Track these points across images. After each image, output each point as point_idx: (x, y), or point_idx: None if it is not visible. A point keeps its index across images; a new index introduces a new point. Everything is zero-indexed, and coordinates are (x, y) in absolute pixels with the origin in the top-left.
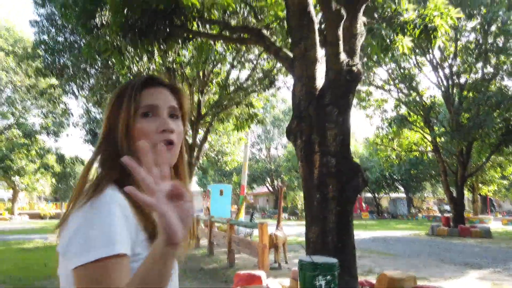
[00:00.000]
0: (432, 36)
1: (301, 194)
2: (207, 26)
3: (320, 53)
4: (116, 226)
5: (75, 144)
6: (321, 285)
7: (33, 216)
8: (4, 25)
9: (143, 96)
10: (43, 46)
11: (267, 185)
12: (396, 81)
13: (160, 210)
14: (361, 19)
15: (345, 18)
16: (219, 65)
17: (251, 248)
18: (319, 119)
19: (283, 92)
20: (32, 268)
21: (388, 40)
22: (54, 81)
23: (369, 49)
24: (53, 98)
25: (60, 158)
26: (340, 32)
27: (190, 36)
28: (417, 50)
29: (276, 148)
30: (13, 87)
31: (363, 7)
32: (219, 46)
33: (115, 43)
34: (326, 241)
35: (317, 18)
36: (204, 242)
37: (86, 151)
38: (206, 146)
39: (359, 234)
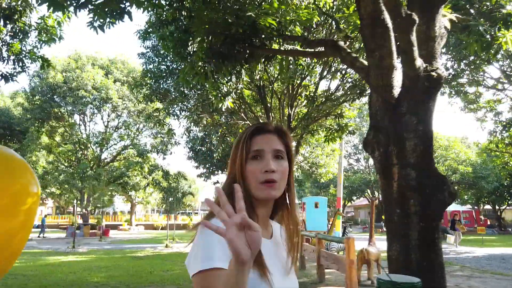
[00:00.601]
0: None
1: None
2: (285, 42)
3: (397, 61)
4: (214, 246)
5: (180, 161)
6: None
7: (148, 227)
8: (120, 59)
9: (253, 142)
10: (149, 75)
11: (367, 197)
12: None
13: (227, 237)
14: (440, 21)
15: (417, 22)
16: (307, 78)
17: (339, 264)
18: (396, 129)
19: None
20: (140, 275)
21: (488, 37)
22: (159, 105)
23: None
24: (158, 120)
25: (166, 174)
26: (414, 38)
27: (270, 55)
28: None
29: None
30: (127, 112)
31: (441, 8)
32: (307, 59)
33: (201, 69)
34: (409, 259)
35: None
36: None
37: (189, 167)
38: (300, 158)
39: (472, 251)
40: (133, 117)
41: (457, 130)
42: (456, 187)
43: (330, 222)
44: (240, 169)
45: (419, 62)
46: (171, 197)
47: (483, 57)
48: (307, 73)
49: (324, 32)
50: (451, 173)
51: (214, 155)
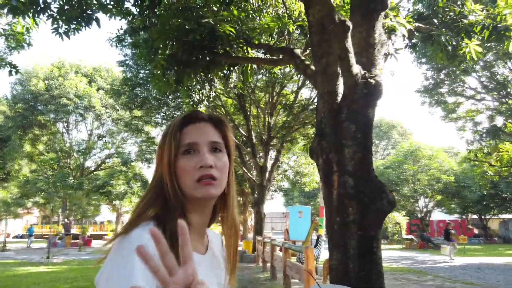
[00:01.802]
0: (503, 37)
1: (391, 216)
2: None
3: None
4: (135, 269)
5: None
6: None
7: (107, 239)
8: (104, 67)
9: (184, 134)
10: (129, 83)
11: None
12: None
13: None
14: (380, 28)
15: (351, 29)
16: (288, 87)
17: (300, 274)
18: (336, 136)
19: None
20: None
21: (449, 47)
22: (137, 113)
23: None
24: (137, 128)
25: (144, 183)
26: (349, 44)
27: (232, 63)
28: None
29: None
30: (111, 120)
31: (381, 16)
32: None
33: (162, 76)
34: (347, 269)
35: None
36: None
37: None
38: (284, 167)
39: (450, 261)
40: (117, 126)
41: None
42: (440, 196)
43: (308, 233)
44: (168, 166)
45: (357, 69)
46: None
47: (462, 67)
48: (285, 81)
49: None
50: (434, 182)
51: None
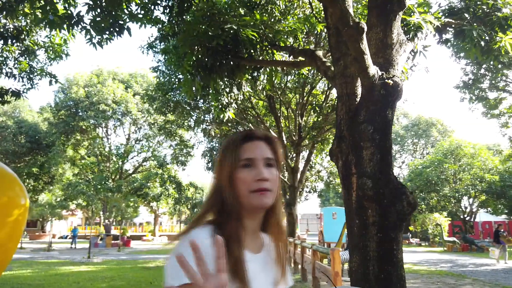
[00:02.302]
0: None
1: (432, 217)
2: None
3: None
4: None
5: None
6: None
7: (172, 237)
8: (140, 73)
9: (243, 150)
10: (163, 88)
11: None
12: None
13: None
14: (398, 28)
15: (365, 31)
16: (319, 87)
17: (327, 275)
18: (354, 138)
19: (405, 107)
20: (139, 285)
21: (482, 42)
22: (170, 117)
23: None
24: (169, 131)
25: (178, 185)
26: (364, 46)
27: (257, 66)
28: None
29: (400, 167)
30: (148, 125)
31: (399, 15)
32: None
33: (189, 81)
34: (367, 271)
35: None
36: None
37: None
38: (319, 168)
39: (495, 264)
40: (152, 130)
41: (486, 137)
42: (484, 196)
43: (341, 234)
44: (228, 177)
45: (373, 70)
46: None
47: (505, 61)
48: (315, 82)
49: (317, 40)
50: (477, 182)
51: None
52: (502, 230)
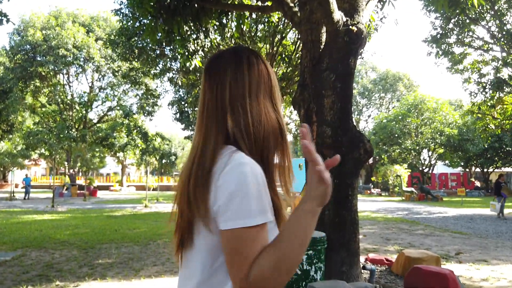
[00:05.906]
0: None
1: (392, 168)
2: None
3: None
4: (267, 194)
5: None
6: (302, 259)
7: (139, 188)
8: (102, 16)
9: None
10: (124, 32)
11: None
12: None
13: (327, 179)
14: None
15: None
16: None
17: None
18: (316, 86)
19: (374, 60)
20: (104, 233)
21: None
22: (135, 64)
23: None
24: (134, 79)
25: (144, 135)
26: None
27: (224, 11)
28: None
29: (366, 121)
30: (112, 72)
31: None
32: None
33: (150, 25)
34: (323, 216)
35: None
36: None
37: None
38: (287, 120)
39: (446, 212)
40: (117, 78)
41: (451, 93)
42: (442, 150)
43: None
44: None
45: (338, 15)
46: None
47: (472, 16)
48: (286, 31)
49: None
50: (437, 135)
51: None
52: (503, 183)
